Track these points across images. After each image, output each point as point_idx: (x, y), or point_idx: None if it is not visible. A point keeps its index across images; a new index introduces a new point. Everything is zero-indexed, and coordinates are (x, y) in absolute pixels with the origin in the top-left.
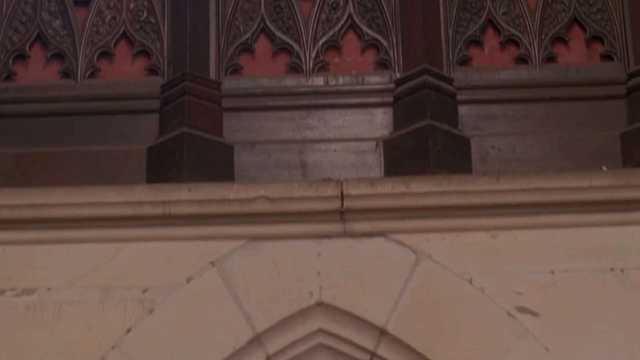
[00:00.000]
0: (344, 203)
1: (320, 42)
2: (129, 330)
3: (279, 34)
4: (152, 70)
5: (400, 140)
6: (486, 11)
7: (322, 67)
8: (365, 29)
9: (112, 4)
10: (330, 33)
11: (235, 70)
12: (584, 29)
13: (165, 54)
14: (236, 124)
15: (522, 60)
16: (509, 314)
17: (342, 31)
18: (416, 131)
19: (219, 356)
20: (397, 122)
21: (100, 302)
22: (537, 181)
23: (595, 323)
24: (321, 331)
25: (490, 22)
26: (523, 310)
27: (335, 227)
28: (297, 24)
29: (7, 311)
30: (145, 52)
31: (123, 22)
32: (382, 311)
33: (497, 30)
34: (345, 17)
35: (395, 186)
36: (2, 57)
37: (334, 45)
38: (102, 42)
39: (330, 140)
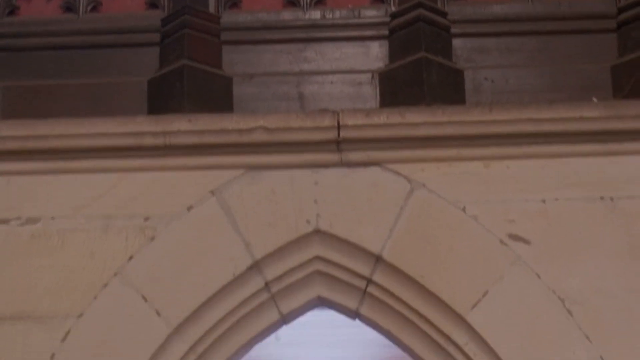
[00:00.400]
0: (341, 133)
1: None
2: (130, 258)
3: None
4: (153, 4)
5: (395, 73)
6: None
7: (319, 1)
8: None
9: None
10: None
11: (234, 4)
12: None
13: None
14: (235, 56)
15: None
16: (501, 241)
17: None
18: (411, 63)
19: (219, 282)
20: (393, 55)
21: (103, 230)
22: (529, 112)
23: (585, 250)
24: (318, 258)
25: None
26: (515, 237)
27: (332, 156)
28: None
29: (12, 240)
30: None
31: None
32: (377, 239)
33: None
34: None
35: (390, 117)
36: None
37: None
38: None
39: (327, 73)
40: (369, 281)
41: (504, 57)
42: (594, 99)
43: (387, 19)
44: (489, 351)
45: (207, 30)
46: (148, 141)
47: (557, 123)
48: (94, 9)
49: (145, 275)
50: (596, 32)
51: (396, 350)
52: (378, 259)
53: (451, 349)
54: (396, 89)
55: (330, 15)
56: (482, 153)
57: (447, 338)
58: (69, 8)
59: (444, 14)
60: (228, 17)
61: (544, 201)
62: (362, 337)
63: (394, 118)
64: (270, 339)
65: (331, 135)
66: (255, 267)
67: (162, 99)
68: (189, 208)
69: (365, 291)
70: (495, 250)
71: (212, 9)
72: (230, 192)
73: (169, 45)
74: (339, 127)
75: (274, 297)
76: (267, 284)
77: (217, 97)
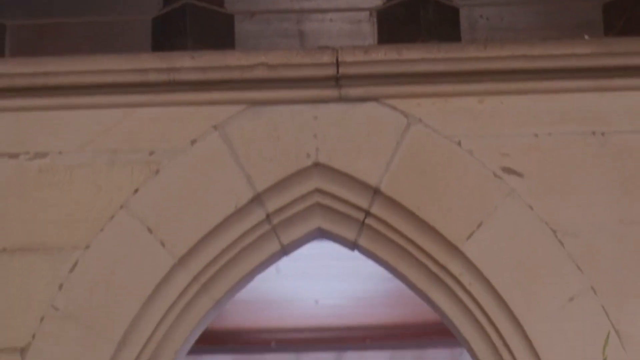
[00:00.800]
0: (340, 69)
1: None
2: (136, 191)
3: None
4: None
5: (393, 10)
6: None
7: None
8: None
9: None
10: None
11: None
12: None
13: None
14: None
15: None
16: (495, 174)
17: None
18: (408, 2)
19: (222, 214)
20: None
21: (109, 164)
22: (523, 49)
23: (577, 184)
24: (318, 191)
25: None
26: (509, 171)
27: (331, 92)
28: None
29: (21, 173)
30: None
31: None
32: (375, 172)
33: None
34: None
35: (388, 53)
36: None
37: None
38: None
39: (326, 10)
40: (367, 213)
41: None
42: (586, 37)
43: None
44: (483, 280)
45: None
46: (153, 77)
47: (550, 60)
48: None
49: (150, 208)
50: None
51: (396, 283)
52: (376, 192)
53: (447, 279)
54: (394, 26)
55: None
56: (477, 89)
57: (443, 268)
58: None
59: None
60: None
61: (536, 135)
62: (362, 270)
63: (392, 55)
64: (271, 271)
65: (330, 71)
66: (257, 199)
67: (166, 36)
68: (193, 142)
69: (363, 223)
70: (489, 183)
71: None
72: (233, 127)
73: None
74: (338, 63)
75: (274, 228)
76: (268, 216)
77: (219, 34)
